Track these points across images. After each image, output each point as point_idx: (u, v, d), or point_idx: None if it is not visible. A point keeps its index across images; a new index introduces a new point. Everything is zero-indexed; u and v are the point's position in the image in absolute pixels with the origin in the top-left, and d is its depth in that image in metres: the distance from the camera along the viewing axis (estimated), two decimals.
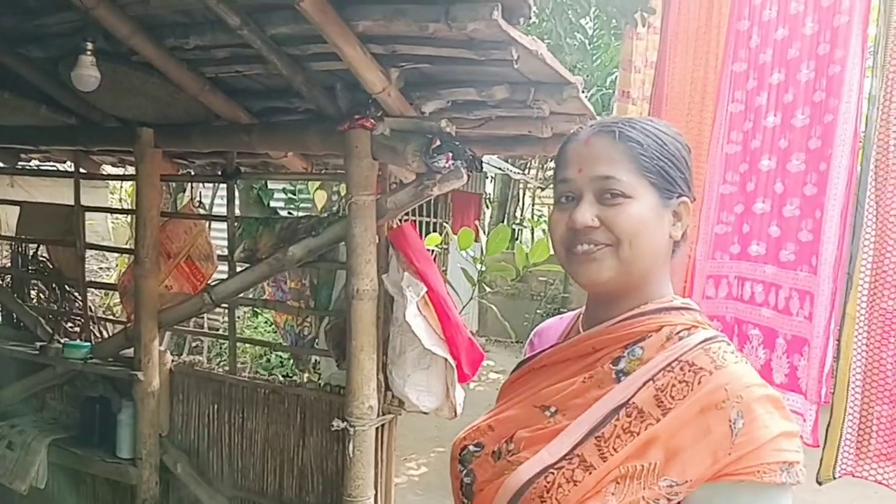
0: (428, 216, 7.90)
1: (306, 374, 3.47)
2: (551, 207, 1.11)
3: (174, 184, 5.19)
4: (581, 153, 0.98)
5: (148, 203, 2.92)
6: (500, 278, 7.56)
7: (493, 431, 1.00)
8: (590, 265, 0.95)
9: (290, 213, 7.02)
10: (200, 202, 3.26)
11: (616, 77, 5.72)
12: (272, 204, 7.43)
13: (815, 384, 2.61)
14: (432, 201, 8.11)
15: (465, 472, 1.00)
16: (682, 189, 0.99)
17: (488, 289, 6.22)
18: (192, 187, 3.48)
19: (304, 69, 2.43)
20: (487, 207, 11.14)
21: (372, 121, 2.42)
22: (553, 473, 0.88)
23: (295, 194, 7.47)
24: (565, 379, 0.98)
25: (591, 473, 0.86)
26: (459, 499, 1.00)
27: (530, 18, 1.96)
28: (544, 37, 5.45)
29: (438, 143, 2.28)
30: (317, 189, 6.65)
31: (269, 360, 5.88)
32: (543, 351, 1.07)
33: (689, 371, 0.89)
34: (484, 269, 5.11)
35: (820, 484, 2.48)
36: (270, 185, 7.41)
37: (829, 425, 2.49)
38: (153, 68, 2.56)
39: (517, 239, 11.26)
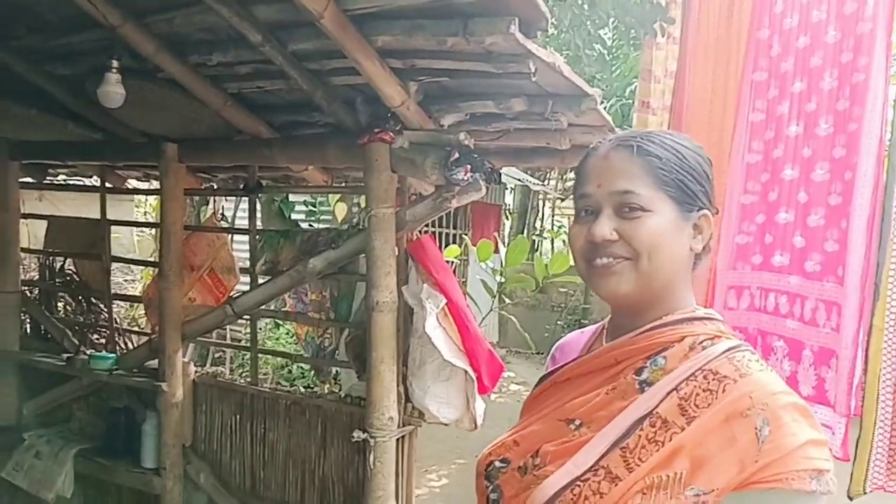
0: (448, 227, 7.91)
1: (327, 386, 3.49)
2: (571, 220, 1.11)
3: (197, 197, 5.26)
4: (600, 168, 0.99)
5: (172, 217, 2.97)
6: (521, 290, 7.54)
7: (519, 446, 1.00)
8: (609, 278, 0.96)
9: (310, 225, 7.08)
10: (223, 216, 3.29)
11: (635, 87, 5.71)
12: (293, 216, 7.49)
13: (845, 396, 2.57)
14: (452, 213, 8.14)
15: (491, 487, 1.00)
16: (702, 202, 1.00)
17: (508, 300, 6.21)
18: (214, 201, 3.54)
19: (325, 84, 2.46)
20: (507, 218, 11.14)
21: (391, 134, 2.44)
22: (579, 486, 0.88)
23: (315, 207, 7.53)
24: (589, 391, 0.98)
25: (617, 485, 0.86)
26: None
27: (547, 31, 1.97)
28: (563, 48, 5.45)
29: (457, 155, 2.30)
30: (337, 201, 6.71)
31: (290, 372, 5.93)
32: (566, 364, 1.07)
33: (714, 380, 0.89)
34: (503, 280, 5.11)
35: (851, 499, 2.43)
36: (291, 198, 7.48)
37: (859, 439, 2.45)
38: (177, 84, 2.61)
39: (537, 250, 11.24)
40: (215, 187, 3.43)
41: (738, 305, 3.10)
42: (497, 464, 1.01)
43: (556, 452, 0.93)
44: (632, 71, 7.54)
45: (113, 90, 2.52)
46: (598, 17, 5.11)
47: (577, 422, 0.96)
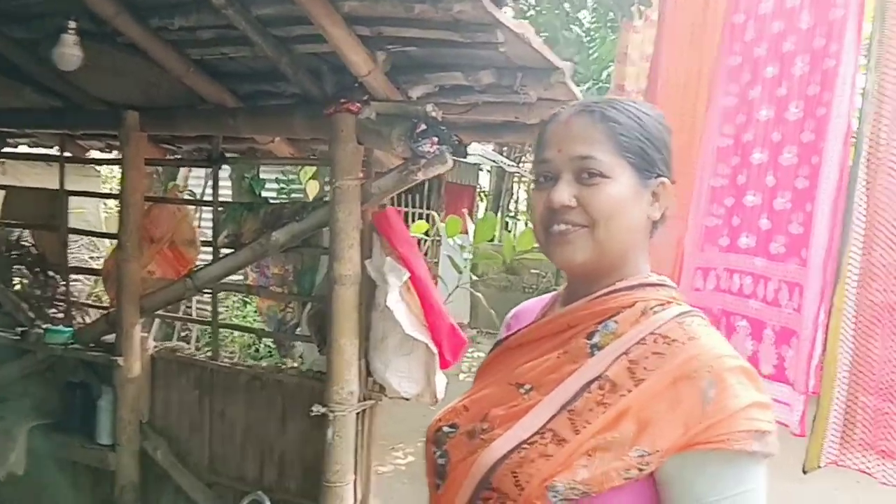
0: (421, 207, 7.88)
1: (289, 361, 3.44)
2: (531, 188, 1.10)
3: (163, 170, 5.14)
4: (561, 133, 0.98)
5: (132, 187, 2.89)
6: (493, 270, 7.53)
7: (468, 411, 1.00)
8: (565, 247, 0.95)
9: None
10: (190, 191, 3.21)
11: (612, 71, 5.69)
12: (264, 194, 7.39)
13: (804, 375, 2.61)
14: (426, 193, 8.11)
15: (439, 453, 0.99)
16: (661, 169, 0.99)
17: (476, 278, 6.19)
18: (186, 173, 3.44)
19: (290, 51, 2.40)
20: (482, 200, 11.14)
21: (358, 104, 2.40)
22: (526, 448, 0.87)
23: (287, 184, 7.43)
24: (540, 356, 0.97)
25: (563, 447, 0.85)
26: (433, 480, 0.99)
27: (517, 0, 1.94)
28: (540, 29, 5.43)
29: (423, 127, 2.26)
30: (309, 179, 6.61)
31: (257, 350, 5.86)
32: (519, 330, 1.06)
33: (663, 343, 0.89)
34: (471, 257, 5.10)
35: (805, 473, 2.48)
36: (263, 175, 7.38)
37: (815, 415, 2.50)
38: (138, 50, 2.53)
39: (510, 231, 11.26)
40: (180, 158, 3.34)
41: (704, 286, 3.12)
42: (445, 429, 1.00)
43: (505, 416, 0.93)
44: (609, 54, 7.52)
45: (69, 52, 2.43)
46: None
47: (527, 386, 0.95)
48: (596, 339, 0.94)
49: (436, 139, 2.27)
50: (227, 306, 5.92)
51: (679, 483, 0.84)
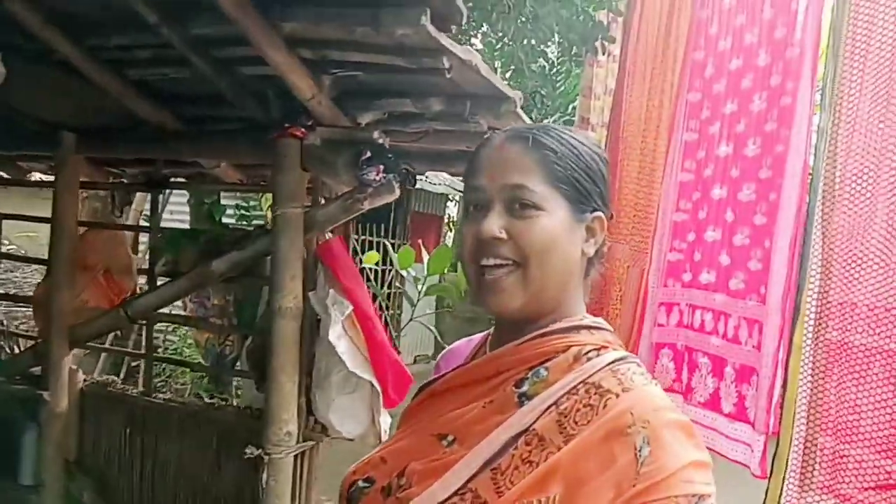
0: (385, 237, 7.78)
1: (226, 398, 3.28)
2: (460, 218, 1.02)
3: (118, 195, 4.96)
4: (492, 160, 0.92)
5: (65, 211, 2.75)
6: (459, 302, 7.41)
7: (386, 464, 0.91)
8: (499, 295, 0.89)
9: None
10: (121, 212, 3.07)
11: (577, 104, 5.72)
12: (224, 220, 7.20)
13: (764, 414, 2.60)
14: (392, 222, 8.01)
15: None
16: (596, 203, 0.94)
17: (443, 309, 6.07)
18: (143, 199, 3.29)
19: (233, 73, 2.31)
20: (450, 230, 11.07)
21: (303, 130, 2.31)
22: None
23: (248, 210, 7.25)
24: (466, 404, 0.90)
25: None
26: None
27: (461, 26, 1.88)
28: (506, 60, 5.43)
29: (368, 154, 2.18)
30: (270, 206, 6.47)
31: (209, 383, 5.63)
32: (446, 374, 0.98)
33: (595, 394, 0.82)
34: (422, 289, 5.00)
35: None
36: (224, 201, 7.19)
37: (775, 456, 2.44)
38: (74, 68, 2.41)
39: None
40: (118, 182, 3.19)
41: (667, 322, 3.12)
42: (360, 483, 0.91)
43: (423, 472, 0.85)
44: (575, 88, 7.59)
45: None
46: (542, 32, 5.11)
47: (450, 437, 0.87)
48: (525, 388, 0.86)
49: (381, 167, 2.18)
50: (180, 336, 5.69)
51: None
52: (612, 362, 0.86)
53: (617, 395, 0.81)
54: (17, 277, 6.23)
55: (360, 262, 5.44)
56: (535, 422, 0.82)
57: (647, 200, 3.07)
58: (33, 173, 3.85)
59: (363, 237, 7.25)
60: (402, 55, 1.98)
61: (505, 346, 0.92)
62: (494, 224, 0.88)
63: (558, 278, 0.90)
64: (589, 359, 0.87)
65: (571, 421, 0.81)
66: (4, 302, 4.19)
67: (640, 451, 0.76)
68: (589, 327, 0.92)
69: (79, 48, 2.30)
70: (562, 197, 0.90)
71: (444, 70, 1.96)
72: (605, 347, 0.89)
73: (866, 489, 2.13)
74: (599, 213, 0.93)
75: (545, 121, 2.19)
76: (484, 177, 0.91)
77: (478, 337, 1.08)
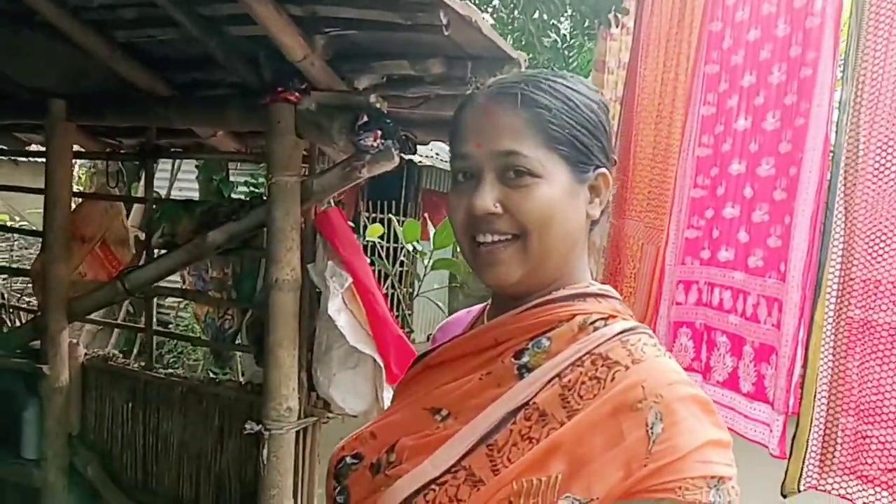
0: (397, 214, 7.68)
1: (228, 372, 3.24)
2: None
3: (127, 167, 4.86)
4: (479, 123, 0.83)
5: (58, 181, 2.67)
6: (472, 277, 7.30)
7: (375, 440, 0.85)
8: (497, 268, 0.82)
9: None
10: (118, 183, 2.99)
11: (590, 78, 5.55)
12: (234, 196, 7.11)
13: (783, 394, 2.52)
14: (403, 199, 7.90)
15: (339, 489, 0.84)
16: (598, 159, 0.85)
17: (455, 286, 6.00)
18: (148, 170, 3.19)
19: (220, 33, 2.19)
20: None
21: (296, 94, 2.19)
22: (434, 490, 0.74)
23: (258, 186, 7.14)
24: (462, 376, 0.83)
25: (478, 490, 0.72)
26: None
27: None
28: (516, 34, 5.28)
29: (365, 119, 2.07)
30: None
31: (213, 358, 5.61)
32: (442, 345, 0.90)
33: (603, 366, 0.75)
34: (430, 263, 4.89)
35: (784, 497, 2.34)
36: (234, 177, 7.09)
37: (794, 436, 2.37)
38: (59, 31, 2.31)
39: None
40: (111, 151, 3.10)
41: (686, 300, 3.04)
42: (348, 460, 0.85)
43: (415, 448, 0.79)
44: (588, 63, 7.38)
45: None
46: (553, 5, 4.93)
47: (445, 412, 0.81)
48: (525, 359, 0.79)
49: (379, 132, 2.07)
50: (191, 313, 5.64)
51: None
52: (622, 332, 0.78)
53: (626, 368, 0.74)
54: (31, 255, 6.23)
55: (365, 237, 5.34)
56: (535, 395, 0.76)
57: (663, 177, 2.97)
58: (32, 144, 3.79)
59: (373, 214, 7.16)
60: (397, 9, 1.85)
61: (505, 314, 0.85)
62: (488, 197, 0.80)
63: (561, 248, 0.82)
64: (596, 328, 0.80)
65: (576, 394, 0.74)
66: (19, 277, 4.15)
67: (651, 428, 0.69)
68: (596, 295, 0.85)
69: (61, 9, 2.19)
70: (560, 159, 0.81)
71: (442, 26, 1.83)
72: (614, 317, 0.82)
73: (890, 470, 2.05)
74: (603, 170, 0.85)
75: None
76: (471, 143, 0.82)
77: (478, 307, 1.01)
